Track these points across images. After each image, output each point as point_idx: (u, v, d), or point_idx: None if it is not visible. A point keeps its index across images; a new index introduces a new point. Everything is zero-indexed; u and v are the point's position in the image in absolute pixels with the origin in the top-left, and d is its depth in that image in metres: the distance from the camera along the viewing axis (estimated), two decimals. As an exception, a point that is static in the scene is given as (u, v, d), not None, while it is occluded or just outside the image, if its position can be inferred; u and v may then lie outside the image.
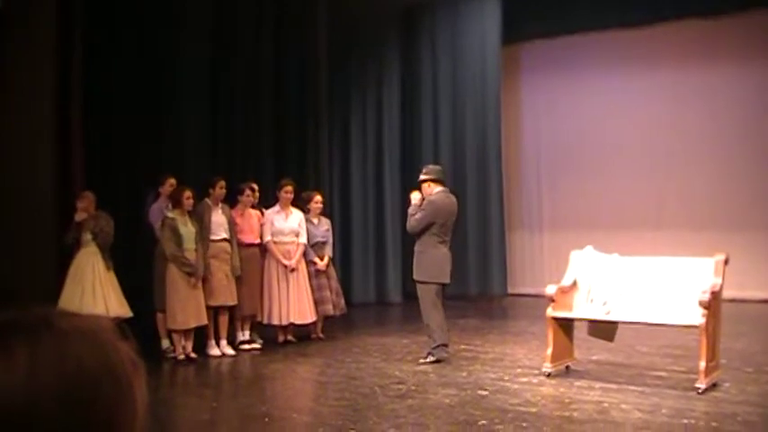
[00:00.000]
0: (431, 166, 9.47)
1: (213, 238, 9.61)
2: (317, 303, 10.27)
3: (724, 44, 13.45)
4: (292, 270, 10.05)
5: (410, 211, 9.12)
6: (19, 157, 9.61)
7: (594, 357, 8.83)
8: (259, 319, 10.14)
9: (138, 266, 9.93)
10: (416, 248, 9.04)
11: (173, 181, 9.83)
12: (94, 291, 9.02)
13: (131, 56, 11.27)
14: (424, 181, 9.12)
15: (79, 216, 9.32)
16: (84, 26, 10.68)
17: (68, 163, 10.42)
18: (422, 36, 14.55)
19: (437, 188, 9.05)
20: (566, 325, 8.27)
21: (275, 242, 10.08)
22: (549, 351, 8.09)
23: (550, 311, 8.11)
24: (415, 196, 9.14)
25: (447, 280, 9.02)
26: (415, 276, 9.05)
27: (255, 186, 10.20)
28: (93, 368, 0.94)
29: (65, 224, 9.45)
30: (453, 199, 9.19)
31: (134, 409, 0.97)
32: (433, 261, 8.91)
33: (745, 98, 13.35)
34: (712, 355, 7.47)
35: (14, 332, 0.94)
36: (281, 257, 10.02)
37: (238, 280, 9.80)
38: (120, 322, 1.04)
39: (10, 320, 0.97)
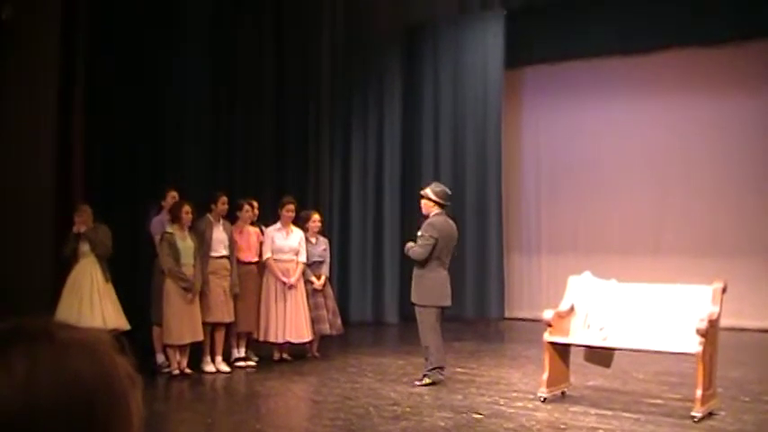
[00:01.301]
0: (441, 187, 9.23)
1: (213, 254, 9.61)
2: (313, 322, 10.26)
3: (725, 73, 13.50)
4: (291, 287, 10.04)
5: (408, 245, 9.07)
6: (19, 168, 9.63)
7: (590, 383, 8.80)
8: (255, 336, 10.12)
9: (137, 279, 9.92)
10: (416, 272, 8.98)
11: (174, 194, 9.83)
12: (92, 302, 9.01)
13: (133, 69, 11.31)
14: (431, 201, 9.05)
15: (77, 228, 9.32)
16: (86, 40, 10.73)
17: (68, 174, 10.45)
18: (424, 57, 14.59)
19: (435, 210, 9.00)
20: (562, 350, 8.25)
21: (275, 260, 10.07)
22: (545, 376, 8.06)
23: (547, 336, 8.09)
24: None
25: (448, 303, 9.00)
26: (414, 300, 8.98)
27: (255, 203, 10.20)
28: (90, 381, 0.94)
29: (63, 234, 9.44)
30: (452, 223, 9.16)
31: (130, 423, 0.97)
32: (433, 284, 8.87)
33: (746, 126, 13.38)
34: (709, 384, 7.45)
35: (14, 342, 0.95)
36: (280, 275, 10.01)
37: (235, 297, 9.78)
38: (117, 335, 1.04)
39: (10, 330, 0.97)
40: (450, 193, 9.32)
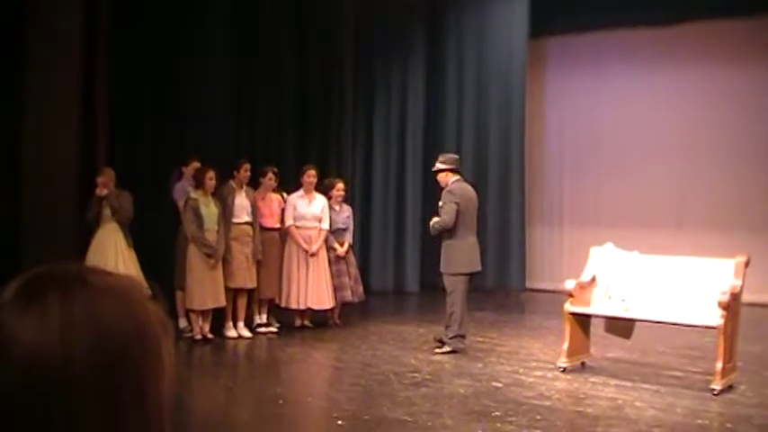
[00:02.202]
0: (448, 155, 9.43)
1: (235, 220, 9.66)
2: (335, 289, 10.30)
3: (751, 44, 13.34)
4: (312, 255, 10.08)
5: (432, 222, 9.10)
6: (43, 138, 9.68)
7: (610, 354, 8.81)
8: (277, 302, 10.18)
9: (159, 244, 9.97)
10: (445, 242, 8.97)
11: (197, 164, 9.86)
12: (117, 267, 9.08)
13: (157, 38, 11.31)
14: (443, 170, 9.08)
15: (100, 191, 9.38)
16: (110, 11, 10.74)
17: (93, 142, 10.50)
18: (448, 27, 14.50)
19: (453, 177, 9.03)
20: (583, 321, 8.26)
21: (297, 227, 10.10)
22: (566, 346, 8.08)
23: (568, 306, 8.10)
24: None
25: (478, 268, 9.06)
26: (445, 270, 8.98)
27: (276, 170, 10.22)
28: (123, 326, 0.96)
29: (86, 202, 9.50)
30: (470, 187, 9.18)
31: (162, 367, 0.98)
32: (462, 252, 8.90)
33: (772, 99, 13.24)
34: (729, 357, 7.44)
35: (48, 288, 0.96)
36: (302, 242, 10.05)
37: (258, 263, 9.84)
38: (151, 283, 1.05)
39: (43, 276, 0.98)
40: (456, 157, 9.43)
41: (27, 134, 9.66)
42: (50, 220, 9.61)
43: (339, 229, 10.44)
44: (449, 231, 8.88)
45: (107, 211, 9.33)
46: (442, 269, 9.03)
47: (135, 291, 1.00)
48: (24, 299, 0.95)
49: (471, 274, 9.00)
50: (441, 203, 8.96)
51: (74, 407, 0.91)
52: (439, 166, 9.14)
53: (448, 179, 9.02)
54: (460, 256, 8.89)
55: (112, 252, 9.19)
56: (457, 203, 8.81)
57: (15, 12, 9.37)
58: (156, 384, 0.97)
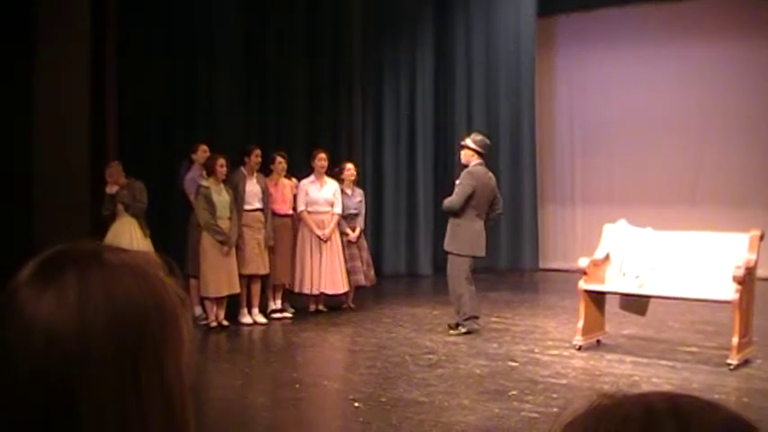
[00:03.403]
0: (480, 137, 9.30)
1: (247, 207, 9.67)
2: (348, 273, 10.31)
3: (762, 19, 13.25)
4: (326, 240, 10.09)
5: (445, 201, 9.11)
6: (53, 129, 9.68)
7: (626, 331, 8.80)
8: (291, 287, 10.20)
9: (171, 233, 10.00)
10: (452, 221, 9.00)
11: (205, 147, 9.88)
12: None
13: (165, 26, 11.32)
14: (470, 149, 9.05)
15: (110, 188, 9.43)
16: (117, 13, 10.75)
17: (102, 131, 10.51)
18: (456, 7, 14.44)
19: (476, 159, 9.01)
20: (597, 298, 8.25)
21: (309, 212, 10.11)
22: (581, 324, 8.07)
23: (582, 284, 8.09)
24: None
25: (483, 253, 9.04)
26: (449, 248, 9.01)
27: (285, 154, 10.22)
28: (141, 302, 0.96)
29: (98, 194, 9.53)
30: (491, 174, 9.16)
31: (181, 342, 0.99)
32: (469, 234, 8.89)
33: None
34: (745, 332, 7.43)
35: (65, 266, 0.96)
36: (314, 227, 10.06)
37: (271, 249, 9.86)
38: (167, 260, 1.05)
39: (60, 255, 0.99)
40: (489, 143, 9.36)
41: (37, 125, 9.66)
42: (62, 215, 9.61)
43: (351, 214, 10.44)
44: (457, 212, 8.89)
45: (120, 207, 9.39)
46: (446, 247, 9.04)
47: (151, 266, 1.01)
48: (42, 277, 0.96)
49: (475, 258, 8.99)
50: (458, 181, 8.97)
51: (94, 380, 0.92)
52: (468, 143, 9.11)
53: (471, 159, 9.01)
54: (467, 238, 8.89)
55: (127, 242, 9.21)
56: (474, 186, 8.81)
57: (23, 9, 9.36)
58: (175, 356, 0.98)
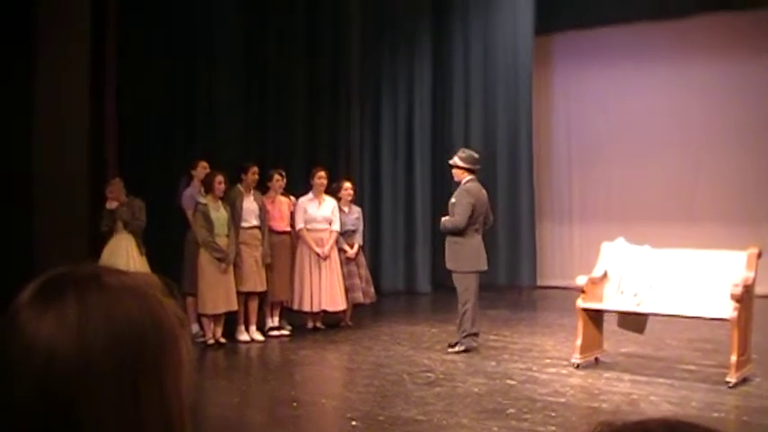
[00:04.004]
0: (468, 152, 9.33)
1: (244, 224, 9.67)
2: (347, 291, 10.31)
3: (759, 37, 13.30)
4: (325, 258, 10.09)
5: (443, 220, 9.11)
6: (52, 144, 9.69)
7: (624, 349, 8.79)
8: (290, 305, 10.19)
9: (167, 250, 9.98)
10: (451, 239, 8.98)
11: (204, 164, 9.88)
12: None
13: (165, 26, 11.37)
14: (461, 168, 9.06)
15: (110, 204, 9.43)
16: (117, 12, 10.77)
17: (101, 148, 10.52)
18: (454, 24, 14.49)
19: (468, 176, 9.02)
20: (595, 316, 8.24)
21: (308, 230, 10.11)
22: (579, 342, 8.06)
23: (580, 302, 8.08)
24: None
25: (486, 267, 9.06)
26: (454, 267, 8.98)
27: (283, 172, 10.24)
28: (140, 324, 0.97)
29: (97, 210, 9.53)
30: (482, 188, 9.18)
31: (180, 362, 0.99)
32: (470, 251, 8.89)
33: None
34: (743, 350, 7.42)
35: (65, 289, 0.97)
36: (313, 245, 10.06)
37: (268, 267, 9.85)
38: (167, 281, 1.06)
39: (60, 277, 1.00)
40: (477, 156, 9.35)
41: (37, 125, 9.64)
42: (61, 230, 9.60)
43: (348, 231, 10.45)
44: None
45: (119, 224, 9.39)
46: (451, 267, 9.02)
47: (151, 288, 1.02)
48: (43, 299, 0.97)
49: (479, 273, 9.00)
50: (453, 200, 8.96)
51: (94, 399, 0.93)
52: (458, 162, 9.11)
53: (463, 177, 9.02)
54: (470, 254, 8.89)
55: (124, 259, 9.20)
56: (472, 204, 8.81)
57: (23, 9, 9.37)
58: (174, 377, 0.99)
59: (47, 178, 9.32)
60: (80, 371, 0.92)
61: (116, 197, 9.47)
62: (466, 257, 8.89)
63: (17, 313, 0.97)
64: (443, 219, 9.11)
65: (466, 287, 8.86)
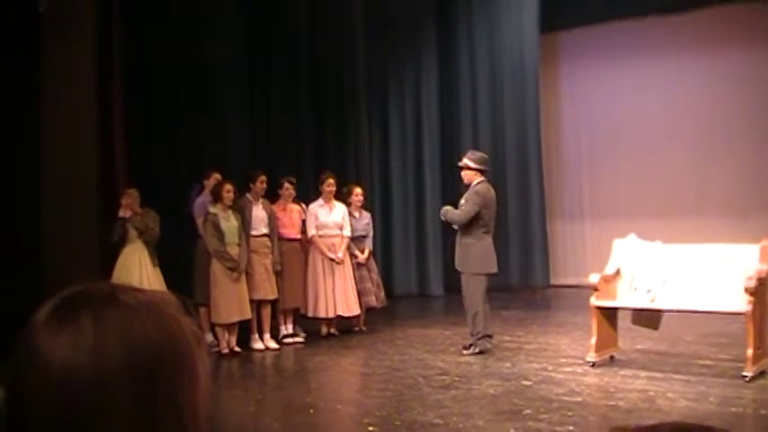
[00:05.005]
0: (478, 154, 9.32)
1: (254, 233, 9.68)
2: (359, 295, 10.31)
3: (765, 29, 13.25)
4: (340, 263, 10.09)
5: (444, 209, 9.10)
6: (63, 154, 9.73)
7: (639, 346, 8.76)
8: (304, 312, 10.19)
9: (180, 261, 10.00)
10: (462, 240, 8.96)
11: (218, 176, 9.86)
12: (142, 285, 9.09)
13: (170, 56, 11.41)
14: (471, 169, 9.03)
15: (123, 212, 9.44)
16: (122, 25, 10.82)
17: (111, 159, 10.56)
18: (459, 24, 14.49)
19: (478, 178, 8.99)
20: (609, 314, 8.22)
21: (320, 236, 10.11)
22: (593, 341, 8.04)
23: (594, 300, 8.06)
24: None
25: (495, 269, 9.03)
26: (463, 269, 8.96)
27: (293, 180, 10.25)
28: (156, 340, 0.97)
29: (107, 220, 9.55)
30: (492, 189, 9.16)
31: (196, 378, 0.99)
32: (482, 252, 8.87)
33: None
34: (759, 343, 7.38)
35: (80, 307, 0.97)
36: (326, 251, 10.06)
37: (279, 274, 9.85)
38: (183, 299, 1.06)
39: (75, 295, 1.00)
40: (487, 157, 9.34)
41: (45, 138, 9.68)
42: (70, 240, 9.64)
43: (359, 236, 10.46)
44: (467, 229, 8.85)
45: (133, 233, 9.40)
46: (460, 267, 8.99)
47: (166, 306, 1.02)
48: (59, 318, 0.97)
49: (489, 275, 8.98)
50: (463, 200, 8.94)
51: (109, 419, 0.93)
52: (468, 164, 9.07)
53: (473, 178, 8.98)
54: (480, 256, 8.87)
55: (137, 270, 9.23)
56: (480, 206, 8.79)
57: (30, 22, 9.42)
58: (191, 395, 0.99)
59: (55, 178, 9.36)
60: (96, 390, 0.93)
61: (130, 206, 9.48)
62: (474, 259, 8.87)
63: (33, 332, 0.97)
64: (447, 207, 9.10)
65: (474, 289, 8.84)
